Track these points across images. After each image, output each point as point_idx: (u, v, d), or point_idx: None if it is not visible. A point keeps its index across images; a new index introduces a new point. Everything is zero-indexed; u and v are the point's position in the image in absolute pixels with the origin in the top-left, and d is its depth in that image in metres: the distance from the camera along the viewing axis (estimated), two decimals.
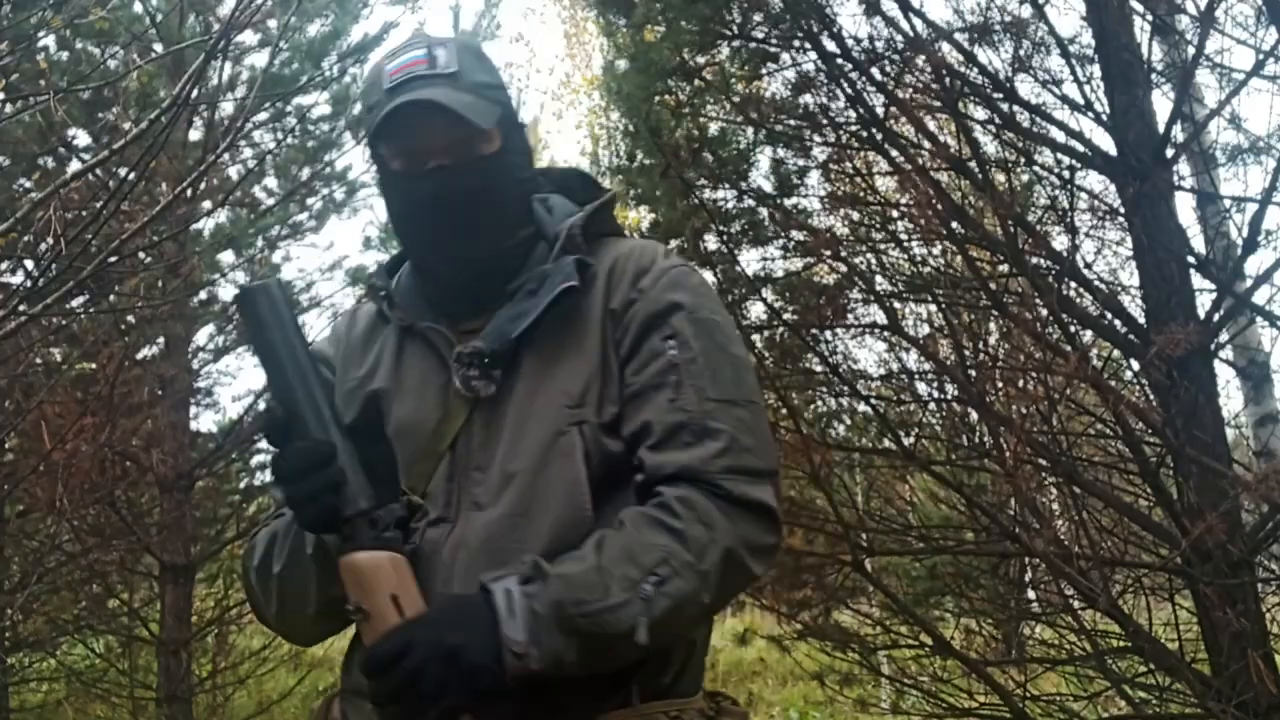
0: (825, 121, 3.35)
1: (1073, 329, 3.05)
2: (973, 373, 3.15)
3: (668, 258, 1.27)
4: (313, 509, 1.09)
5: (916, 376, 3.77)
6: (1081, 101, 3.06)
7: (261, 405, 5.73)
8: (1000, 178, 3.20)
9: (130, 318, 5.12)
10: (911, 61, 3.15)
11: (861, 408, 3.68)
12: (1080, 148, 3.06)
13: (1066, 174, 3.15)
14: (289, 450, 1.10)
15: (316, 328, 6.30)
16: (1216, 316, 2.92)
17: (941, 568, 3.87)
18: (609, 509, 1.14)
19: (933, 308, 3.50)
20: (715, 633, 1.31)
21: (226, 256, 6.11)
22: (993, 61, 3.11)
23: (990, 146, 3.33)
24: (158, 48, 5.10)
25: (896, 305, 3.49)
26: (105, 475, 4.75)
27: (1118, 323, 3.00)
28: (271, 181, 6.21)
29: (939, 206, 3.00)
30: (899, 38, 3.12)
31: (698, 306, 1.21)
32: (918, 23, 3.11)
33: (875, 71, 3.22)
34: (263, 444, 6.04)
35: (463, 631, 1.03)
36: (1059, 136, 3.10)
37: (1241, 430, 3.96)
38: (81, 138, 5.35)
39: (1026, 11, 3.10)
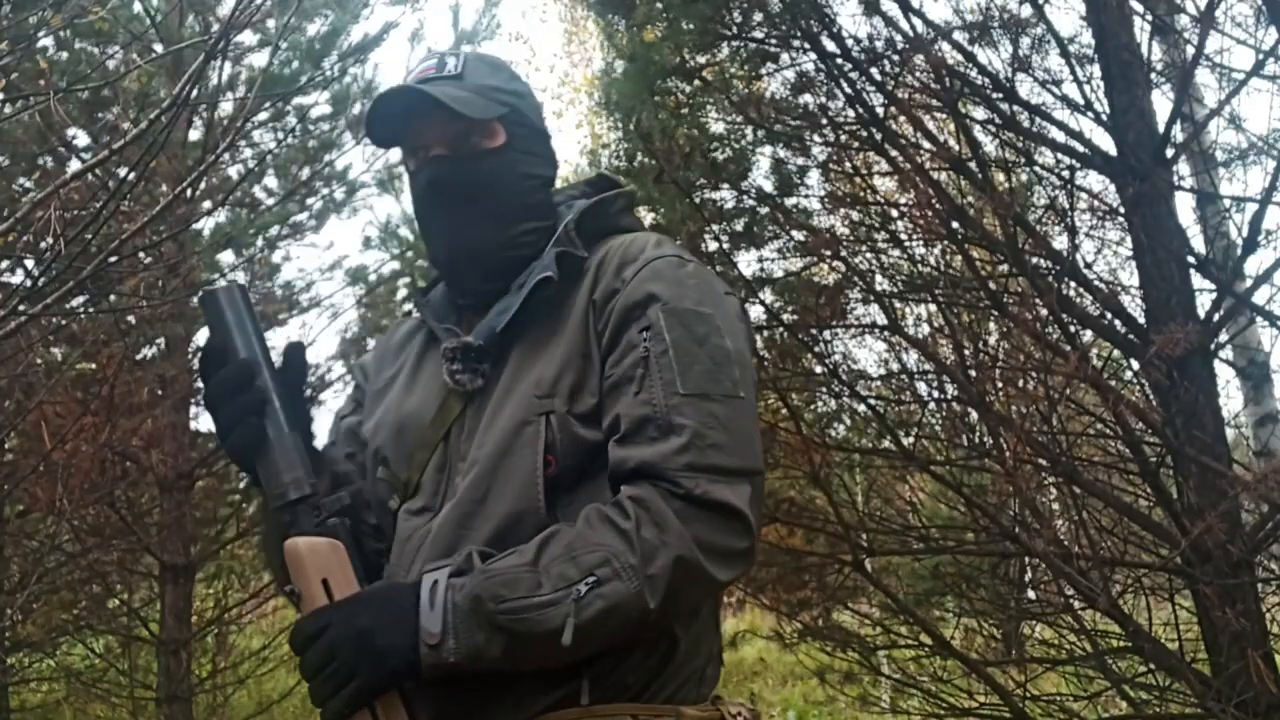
0: (825, 121, 3.35)
1: (1073, 329, 3.05)
2: (973, 373, 3.15)
3: (658, 248, 1.24)
4: (239, 432, 1.13)
5: (916, 376, 3.77)
6: (1081, 101, 3.06)
7: None
8: (1000, 178, 3.20)
9: (130, 318, 5.12)
10: (911, 61, 3.15)
11: (861, 408, 3.68)
12: (1080, 148, 3.06)
13: (1066, 174, 3.15)
14: (214, 376, 1.14)
15: (317, 328, 6.31)
16: (1216, 316, 2.92)
17: (942, 568, 3.87)
18: (581, 500, 1.13)
19: (933, 308, 3.50)
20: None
21: (226, 256, 6.11)
22: (992, 61, 3.11)
23: (990, 146, 3.33)
24: (157, 48, 5.10)
25: (896, 305, 3.49)
26: (105, 475, 4.75)
27: (1118, 323, 3.00)
28: (271, 181, 6.21)
29: (939, 206, 3.00)
30: (898, 37, 3.12)
31: (677, 297, 1.18)
32: (917, 22, 3.11)
33: (875, 71, 3.22)
34: None
35: (380, 616, 1.05)
36: (1059, 136, 3.10)
37: (1241, 430, 3.96)
38: (81, 138, 5.35)
39: (1026, 11, 3.10)
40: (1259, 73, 2.92)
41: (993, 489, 3.94)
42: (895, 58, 3.19)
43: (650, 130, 3.32)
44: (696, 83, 3.54)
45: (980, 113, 3.38)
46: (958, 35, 3.14)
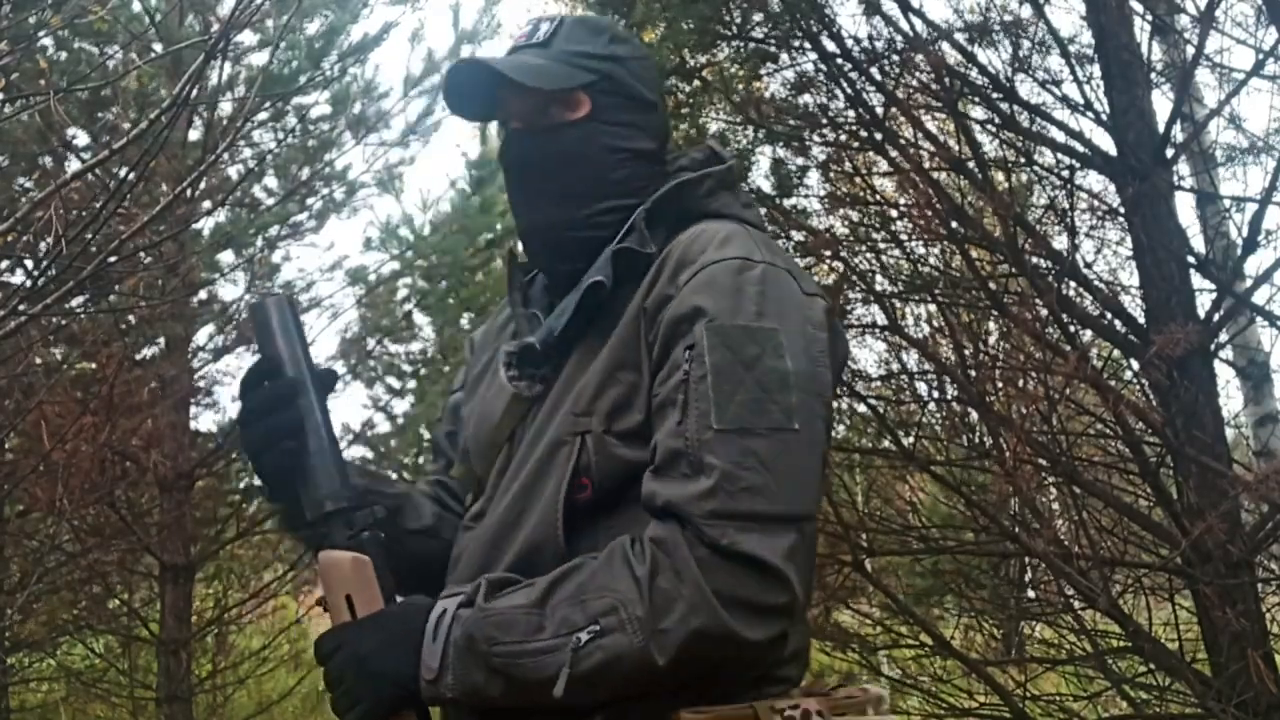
0: (825, 121, 3.34)
1: (1073, 329, 3.05)
2: (973, 373, 3.15)
3: (721, 247, 1.09)
4: (269, 456, 1.09)
5: (916, 376, 3.77)
6: (1081, 101, 3.06)
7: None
8: (1000, 178, 3.20)
9: (130, 318, 5.12)
10: (911, 61, 3.15)
11: (861, 408, 3.68)
12: (1080, 148, 3.06)
13: (1066, 174, 3.15)
14: (255, 394, 1.10)
15: (316, 328, 6.30)
16: (1216, 316, 2.92)
17: (942, 568, 3.87)
18: (622, 525, 1.04)
19: (933, 308, 3.50)
20: None
21: (226, 256, 6.10)
22: (992, 61, 3.11)
23: (990, 146, 3.33)
24: (157, 47, 5.10)
25: (896, 305, 3.49)
26: (105, 475, 4.75)
27: (1118, 323, 3.00)
28: (271, 181, 6.20)
29: (939, 206, 3.00)
30: (898, 37, 3.12)
31: (727, 311, 1.03)
32: (917, 22, 3.11)
33: (875, 71, 3.22)
34: None
35: (387, 642, 1.02)
36: (1059, 136, 3.10)
37: (1241, 430, 3.97)
38: (81, 137, 5.35)
39: (1026, 11, 3.10)
40: (1259, 73, 2.92)
41: (993, 489, 3.94)
42: (895, 58, 3.19)
43: None
44: (696, 83, 3.53)
45: (980, 113, 3.38)
46: (958, 35, 3.14)
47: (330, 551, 1.09)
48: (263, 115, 5.49)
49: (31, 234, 3.36)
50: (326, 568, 1.09)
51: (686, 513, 0.97)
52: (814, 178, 3.67)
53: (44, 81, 3.19)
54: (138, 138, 2.34)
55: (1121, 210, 3.06)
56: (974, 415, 3.54)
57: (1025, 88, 3.12)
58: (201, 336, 5.98)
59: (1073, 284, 3.08)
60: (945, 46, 3.16)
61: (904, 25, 3.09)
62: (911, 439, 3.72)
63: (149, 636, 5.66)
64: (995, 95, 3.10)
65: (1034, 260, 3.05)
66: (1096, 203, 3.20)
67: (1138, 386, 3.18)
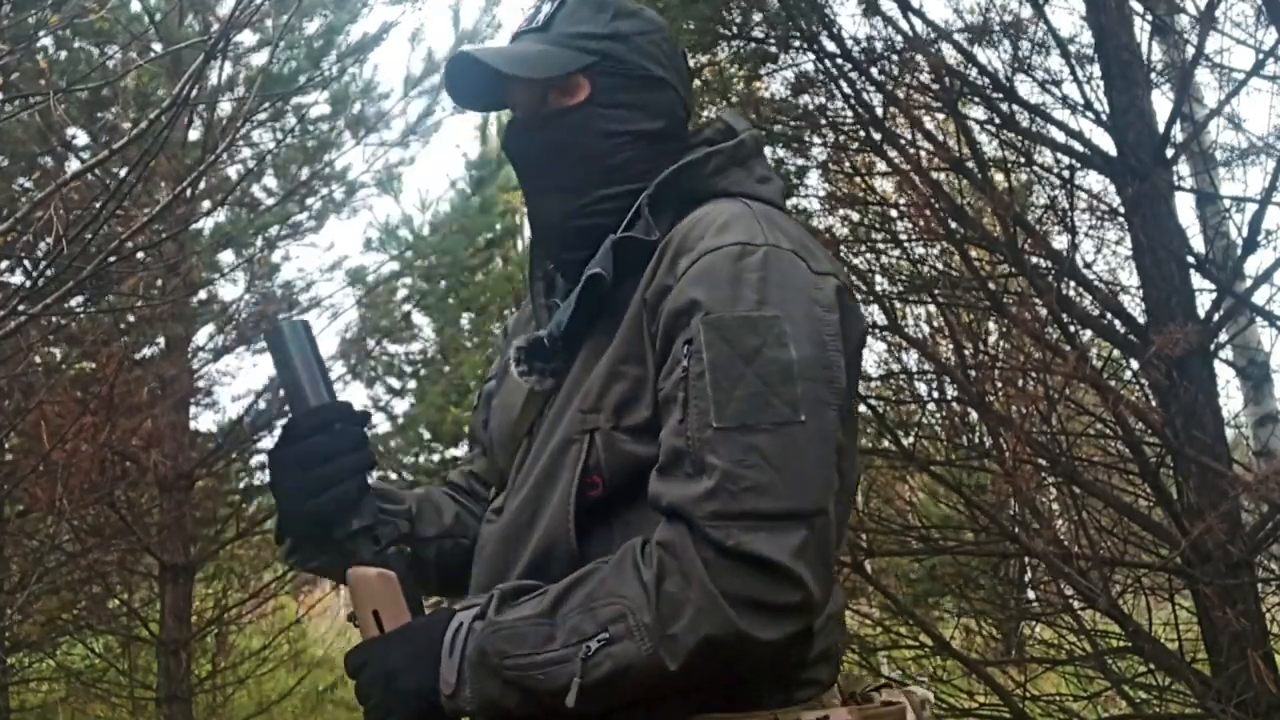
0: (824, 121, 3.34)
1: (1072, 329, 3.05)
2: (972, 373, 3.15)
3: (720, 234, 1.04)
4: (330, 496, 1.08)
5: (916, 376, 3.77)
6: (1081, 101, 3.06)
7: (262, 405, 5.73)
8: (1000, 178, 3.20)
9: (130, 317, 5.12)
10: (911, 61, 3.15)
11: (861, 408, 3.68)
12: (1080, 148, 3.06)
13: (1066, 174, 3.15)
14: (303, 440, 1.09)
15: (316, 328, 6.28)
16: (1216, 316, 2.92)
17: (941, 568, 3.87)
18: (638, 523, 1.02)
19: (932, 308, 3.50)
20: None
21: (226, 256, 6.11)
22: (992, 61, 3.11)
23: (990, 146, 3.33)
24: (157, 47, 5.10)
25: (896, 305, 3.49)
26: (105, 475, 4.75)
27: (1117, 323, 3.00)
28: (271, 181, 6.21)
29: (938, 206, 3.00)
30: (898, 37, 3.12)
31: (724, 303, 0.99)
32: (917, 22, 3.11)
33: (874, 71, 3.22)
34: (263, 443, 6.04)
35: (410, 658, 1.03)
36: (1059, 136, 3.10)
37: (1241, 430, 3.96)
38: (81, 137, 5.35)
39: (1026, 11, 3.10)
40: (1259, 73, 2.92)
41: (992, 489, 3.94)
42: (895, 58, 3.19)
43: None
44: (696, 83, 3.54)
45: (980, 113, 3.38)
46: (957, 35, 3.14)
47: (358, 568, 1.11)
48: (262, 115, 5.49)
49: (31, 234, 3.35)
50: (355, 584, 1.10)
51: (690, 514, 0.95)
52: (814, 178, 3.67)
53: (44, 81, 3.19)
54: (137, 138, 2.34)
55: (1121, 210, 3.06)
56: (974, 415, 3.54)
57: (1025, 88, 3.12)
58: (201, 336, 5.99)
59: (1072, 284, 3.08)
60: (945, 46, 3.16)
61: (904, 25, 3.09)
62: (911, 439, 3.72)
63: (149, 636, 5.66)
64: (995, 95, 3.10)
65: (1034, 260, 3.05)
66: (1096, 203, 3.20)
67: (1137, 386, 3.18)
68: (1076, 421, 3.56)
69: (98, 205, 2.51)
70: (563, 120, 1.16)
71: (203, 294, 5.89)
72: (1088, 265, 3.17)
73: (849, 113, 3.31)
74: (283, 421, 1.16)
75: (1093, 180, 3.27)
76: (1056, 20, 5.34)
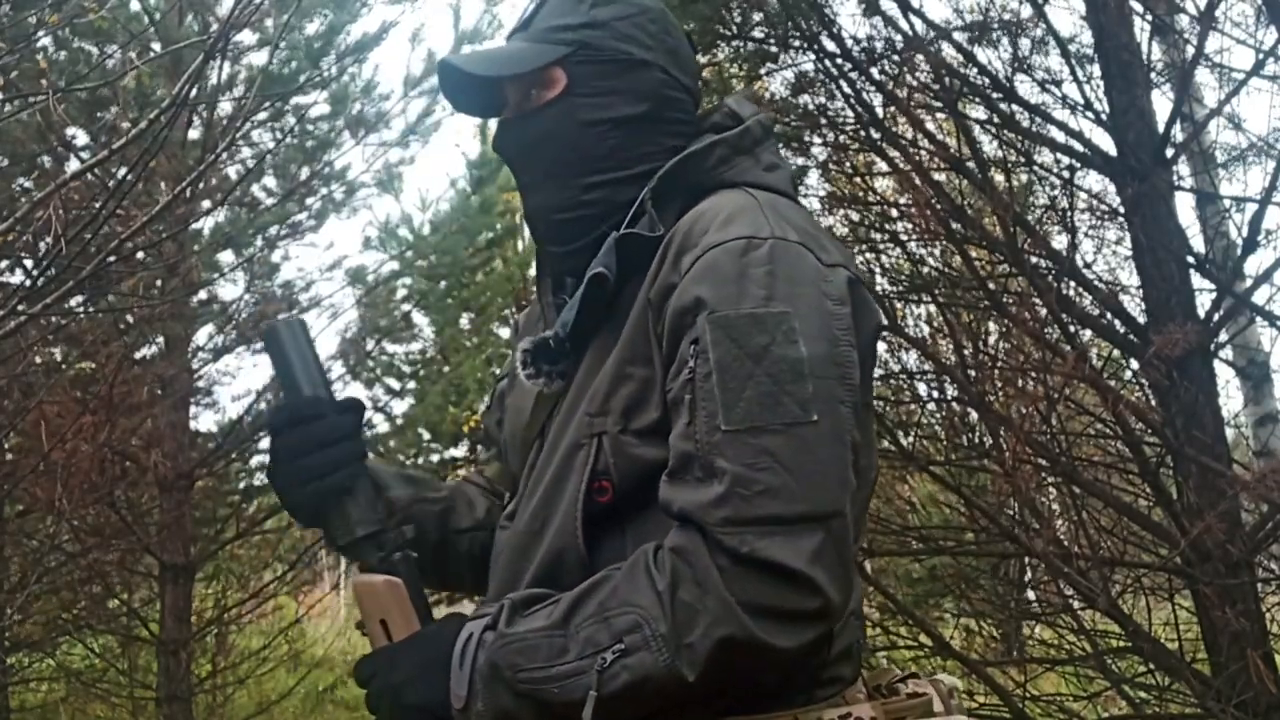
0: (824, 121, 3.34)
1: (1072, 329, 3.05)
2: (972, 373, 3.15)
3: (724, 228, 1.01)
4: (318, 486, 1.07)
5: (916, 376, 3.77)
6: (1081, 101, 3.06)
7: (262, 405, 5.73)
8: (1000, 178, 3.20)
9: (129, 317, 5.12)
10: (911, 61, 3.15)
11: None
12: (1080, 148, 3.06)
13: (1066, 174, 3.15)
14: (295, 430, 1.08)
15: (316, 328, 6.30)
16: (1216, 316, 2.92)
17: (941, 568, 3.87)
18: (651, 528, 1.00)
19: (932, 308, 3.50)
20: None
21: (226, 256, 6.11)
22: (992, 61, 3.11)
23: (990, 146, 3.33)
24: (156, 47, 5.10)
25: (896, 305, 3.49)
26: (105, 475, 4.75)
27: (1117, 322, 3.00)
28: (270, 181, 6.20)
29: (938, 206, 3.00)
30: (898, 37, 3.12)
31: (729, 300, 0.96)
32: (917, 22, 3.11)
33: (874, 71, 3.22)
34: (263, 444, 6.05)
35: (419, 670, 1.01)
36: (1059, 136, 3.10)
37: (1241, 430, 3.96)
38: (80, 137, 5.35)
39: (1026, 11, 3.10)
40: (1259, 73, 2.92)
41: (992, 489, 3.94)
42: (895, 58, 3.19)
43: None
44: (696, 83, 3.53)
45: (980, 113, 3.38)
46: (957, 35, 3.14)
47: (364, 576, 1.09)
48: (262, 115, 5.49)
49: (31, 234, 3.35)
50: (361, 592, 1.08)
51: (702, 520, 0.92)
52: (814, 178, 3.67)
53: (43, 81, 3.19)
54: (137, 137, 2.34)
55: (1121, 210, 3.06)
56: (974, 415, 3.54)
57: (1025, 88, 3.12)
58: (201, 336, 5.99)
59: (1072, 284, 3.08)
60: (945, 46, 3.16)
61: (904, 25, 3.09)
62: (911, 439, 3.72)
63: (149, 636, 5.66)
64: (995, 95, 3.10)
65: (1034, 260, 3.05)
66: (1096, 203, 3.20)
67: (1137, 386, 3.18)
68: (1076, 421, 3.56)
69: (97, 205, 2.51)
70: (544, 113, 1.15)
71: (202, 294, 5.89)
72: (1088, 265, 3.17)
73: (849, 113, 3.31)
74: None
75: (1093, 180, 3.27)
76: (1056, 20, 5.35)
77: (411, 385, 7.99)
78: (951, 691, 1.08)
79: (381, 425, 7.63)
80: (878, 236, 3.51)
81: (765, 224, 1.01)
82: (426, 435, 8.38)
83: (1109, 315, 3.02)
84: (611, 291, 1.07)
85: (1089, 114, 3.06)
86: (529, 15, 1.19)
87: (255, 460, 6.39)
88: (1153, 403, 2.98)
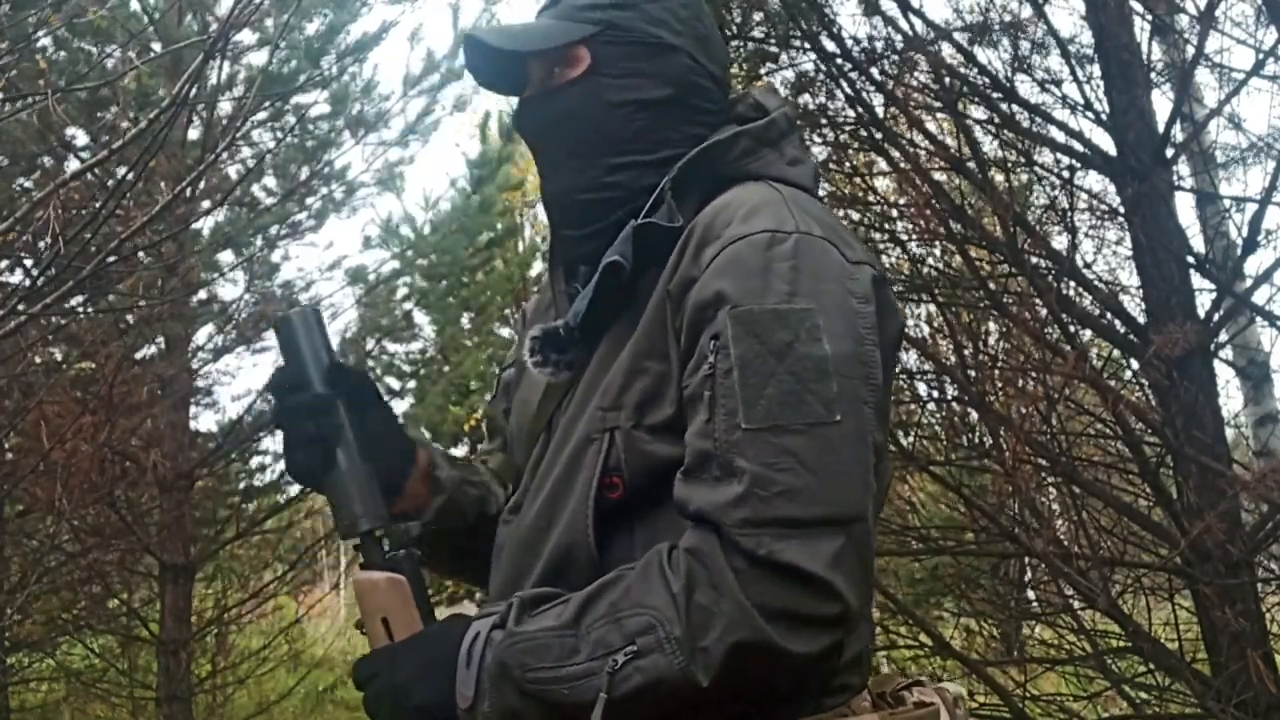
0: (824, 121, 3.34)
1: (1072, 329, 3.05)
2: (972, 373, 3.15)
3: (747, 221, 0.98)
4: (306, 453, 1.08)
5: (916, 376, 3.77)
6: (1081, 101, 3.06)
7: (264, 404, 5.73)
8: (1000, 178, 3.20)
9: (129, 318, 5.12)
10: (911, 61, 3.15)
11: None
12: (1080, 148, 3.06)
13: (1066, 174, 3.15)
14: (290, 400, 1.09)
15: None
16: (1216, 316, 2.92)
17: (941, 568, 3.87)
18: (662, 527, 0.98)
19: (932, 308, 3.50)
20: None
21: (226, 256, 6.11)
22: (992, 61, 3.11)
23: (990, 146, 3.33)
24: (156, 47, 5.10)
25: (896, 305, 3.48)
26: (105, 475, 4.75)
27: (1117, 322, 3.00)
28: (270, 181, 6.20)
29: (938, 206, 3.00)
30: (898, 37, 3.12)
31: (752, 295, 0.93)
32: (917, 22, 3.11)
33: (875, 71, 3.22)
34: (263, 444, 6.06)
35: (423, 670, 0.98)
36: (1059, 136, 3.10)
37: (1241, 430, 3.96)
38: (80, 137, 5.35)
39: (1026, 11, 3.10)
40: (1259, 73, 2.92)
41: (992, 489, 3.94)
42: (895, 58, 3.19)
43: None
44: None
45: (980, 113, 3.38)
46: (957, 35, 3.14)
47: (365, 573, 1.06)
48: (262, 115, 5.49)
49: (31, 234, 3.35)
50: (362, 590, 1.05)
51: (719, 521, 0.90)
52: None
53: (43, 81, 3.20)
54: (137, 137, 2.33)
55: (1121, 210, 3.06)
56: (974, 415, 3.54)
57: (1025, 88, 3.12)
58: (201, 336, 5.99)
59: (1072, 284, 3.08)
60: (945, 46, 3.16)
61: (904, 25, 3.09)
62: (911, 439, 3.72)
63: (149, 636, 5.66)
64: (995, 95, 3.10)
65: (1034, 260, 3.05)
66: (1096, 203, 3.20)
67: (1137, 386, 3.18)
68: (1076, 421, 3.56)
69: (97, 205, 2.51)
70: (566, 93, 1.12)
71: (202, 294, 5.89)
72: (1088, 265, 3.17)
73: (849, 112, 3.31)
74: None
75: (1093, 180, 3.27)
76: (1056, 20, 5.34)
77: (412, 385, 8.00)
78: (957, 700, 1.06)
79: None
80: (878, 236, 3.51)
81: (790, 218, 0.99)
82: (427, 434, 8.38)
83: (1109, 315, 3.02)
84: (627, 281, 1.04)
85: (1089, 114, 3.06)
86: None
87: (255, 460, 6.40)
88: (1153, 403, 2.98)
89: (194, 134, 5.58)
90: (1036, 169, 3.31)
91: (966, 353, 3.20)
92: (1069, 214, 3.11)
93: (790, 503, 0.89)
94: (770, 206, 1.00)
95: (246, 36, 5.52)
